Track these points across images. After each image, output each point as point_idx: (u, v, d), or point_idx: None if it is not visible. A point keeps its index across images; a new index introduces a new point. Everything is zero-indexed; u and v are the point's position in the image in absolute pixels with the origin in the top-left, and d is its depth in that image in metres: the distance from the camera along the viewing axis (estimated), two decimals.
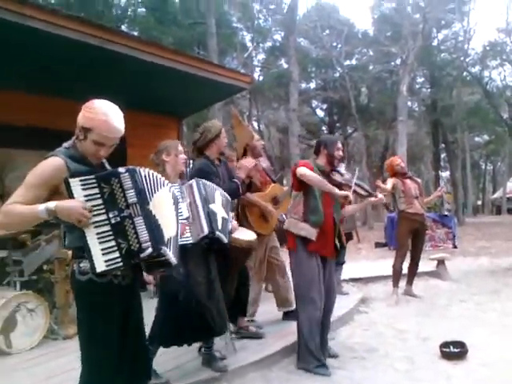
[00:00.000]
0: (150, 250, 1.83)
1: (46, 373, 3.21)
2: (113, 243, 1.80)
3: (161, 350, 2.99)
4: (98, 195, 1.81)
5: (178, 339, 2.93)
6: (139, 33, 17.16)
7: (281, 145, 28.21)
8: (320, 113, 30.54)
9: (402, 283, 6.02)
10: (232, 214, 3.92)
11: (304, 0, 38.75)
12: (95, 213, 1.79)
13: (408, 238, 5.89)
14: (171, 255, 1.95)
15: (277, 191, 4.41)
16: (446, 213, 12.13)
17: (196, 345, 3.33)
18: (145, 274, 2.22)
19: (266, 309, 4.54)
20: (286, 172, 22.21)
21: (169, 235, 1.98)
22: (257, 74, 25.42)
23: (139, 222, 1.84)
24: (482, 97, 25.16)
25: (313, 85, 28.61)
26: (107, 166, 2.12)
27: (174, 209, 2.13)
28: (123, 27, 18.21)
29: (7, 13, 3.67)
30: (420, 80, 27.49)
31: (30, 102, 5.17)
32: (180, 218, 2.24)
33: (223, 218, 3.03)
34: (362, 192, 3.63)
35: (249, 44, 24.87)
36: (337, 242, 3.60)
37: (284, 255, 4.25)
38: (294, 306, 3.92)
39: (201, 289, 2.93)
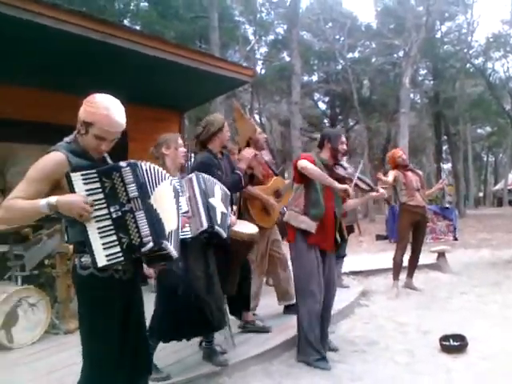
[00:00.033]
0: (151, 244, 1.83)
1: (47, 367, 3.21)
2: (114, 238, 1.80)
3: (161, 344, 3.00)
4: (100, 189, 1.81)
5: (178, 334, 2.94)
6: (141, 27, 17.04)
7: (282, 138, 28.16)
8: (322, 106, 30.49)
9: (403, 276, 6.04)
10: (234, 208, 3.93)
11: None
12: (96, 207, 1.79)
13: (409, 230, 5.90)
14: (172, 249, 1.95)
15: (279, 184, 4.41)
16: (447, 205, 12.13)
17: (196, 339, 3.35)
18: (145, 267, 2.22)
19: (266, 303, 4.55)
20: (287, 165, 22.20)
21: (170, 229, 1.98)
22: (259, 68, 25.39)
23: (140, 216, 1.83)
24: (485, 88, 25.04)
25: (315, 78, 28.56)
26: (109, 160, 2.11)
27: (175, 202, 2.13)
28: (125, 21, 18.10)
29: (8, 7, 3.66)
30: (423, 72, 27.42)
31: (32, 96, 5.17)
32: (180, 211, 2.24)
33: (222, 213, 3.03)
34: (364, 186, 3.63)
35: (251, 37, 24.72)
36: (337, 235, 3.61)
37: (285, 248, 4.26)
38: (294, 300, 3.93)
39: (200, 283, 2.93)
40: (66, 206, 1.76)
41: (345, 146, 3.64)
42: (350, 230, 5.82)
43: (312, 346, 3.43)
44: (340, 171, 3.59)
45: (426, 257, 7.11)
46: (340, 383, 3.14)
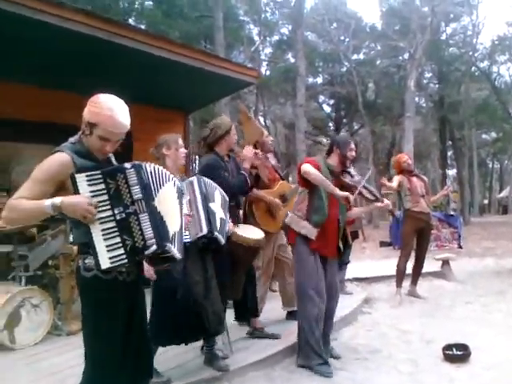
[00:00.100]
0: (154, 247, 1.82)
1: (49, 368, 3.21)
2: (118, 240, 1.79)
3: (162, 348, 2.99)
4: (104, 191, 1.81)
5: (177, 338, 2.91)
6: (146, 26, 17.08)
7: (287, 141, 28.13)
8: (327, 108, 30.49)
9: (406, 283, 6.00)
10: (240, 212, 3.89)
11: None
12: (101, 209, 1.79)
13: (413, 237, 5.86)
14: (176, 251, 1.95)
15: (285, 188, 4.39)
16: (452, 212, 12.07)
17: (198, 343, 3.32)
18: (146, 270, 2.20)
19: (269, 307, 4.52)
20: (291, 169, 22.15)
21: (173, 231, 1.97)
22: (264, 69, 25.37)
23: (144, 218, 1.83)
24: (490, 93, 24.92)
25: (320, 79, 28.54)
26: (113, 160, 2.11)
27: (179, 202, 2.12)
28: (130, 20, 18.16)
29: (14, 6, 3.66)
30: (428, 75, 27.32)
31: (37, 96, 5.18)
32: (184, 212, 2.22)
33: (221, 219, 3.00)
34: (369, 196, 3.59)
35: (256, 38, 24.78)
36: (340, 243, 3.58)
37: None
38: None
39: (198, 288, 2.91)
40: (70, 208, 1.76)
41: (353, 153, 3.62)
42: (355, 235, 5.79)
43: (313, 350, 3.40)
44: (346, 178, 3.56)
45: (431, 264, 7.05)
46: None
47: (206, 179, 3.05)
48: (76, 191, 1.77)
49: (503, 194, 44.52)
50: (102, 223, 1.79)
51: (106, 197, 1.80)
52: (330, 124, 30.05)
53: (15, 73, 4.75)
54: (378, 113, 26.10)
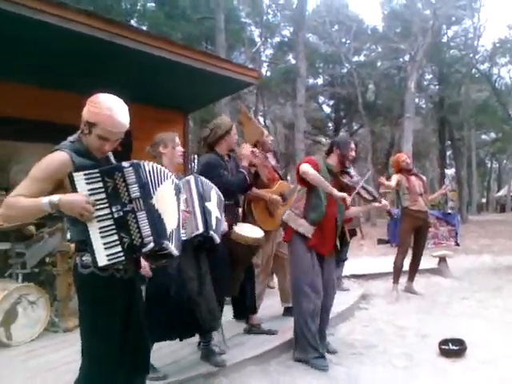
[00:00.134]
0: (151, 244, 1.84)
1: (45, 365, 3.22)
2: (115, 237, 1.81)
3: (158, 344, 3.01)
4: (102, 189, 1.82)
5: (171, 334, 2.94)
6: (148, 28, 17.07)
7: (286, 141, 28.12)
8: (326, 109, 30.43)
9: (404, 280, 6.04)
10: (239, 210, 3.92)
11: None
12: (98, 207, 1.80)
13: (410, 234, 5.91)
14: (173, 248, 1.98)
15: (284, 188, 4.43)
16: (450, 211, 12.12)
17: (194, 339, 3.35)
18: (142, 266, 2.22)
19: (266, 304, 4.57)
20: (290, 168, 22.17)
21: (171, 228, 2.00)
22: (264, 70, 25.36)
23: (142, 216, 1.85)
24: (490, 94, 24.95)
25: (320, 80, 28.51)
26: (112, 159, 2.12)
27: (176, 199, 2.14)
28: (132, 22, 18.15)
29: (14, 6, 3.68)
30: (428, 77, 27.32)
31: (36, 95, 5.20)
32: (181, 208, 2.26)
33: (217, 218, 3.02)
34: (367, 196, 3.63)
35: (257, 39, 24.75)
36: (337, 242, 3.62)
37: None
38: None
39: (192, 284, 2.93)
40: (67, 205, 1.77)
41: (353, 153, 3.66)
42: (353, 233, 5.83)
43: (310, 344, 3.45)
44: (345, 179, 3.61)
45: (428, 261, 7.10)
46: None
47: (203, 178, 3.07)
48: (74, 190, 1.79)
49: (501, 193, 44.54)
50: (99, 221, 1.80)
51: (103, 195, 1.82)
52: (330, 124, 30.03)
53: (15, 72, 4.78)
54: (377, 113, 26.07)
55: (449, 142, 27.17)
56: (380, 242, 12.77)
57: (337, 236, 3.62)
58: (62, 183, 1.88)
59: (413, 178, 5.93)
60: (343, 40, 25.31)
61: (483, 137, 35.60)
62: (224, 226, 3.19)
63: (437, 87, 26.32)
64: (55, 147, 1.95)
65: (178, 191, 2.18)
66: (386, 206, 3.68)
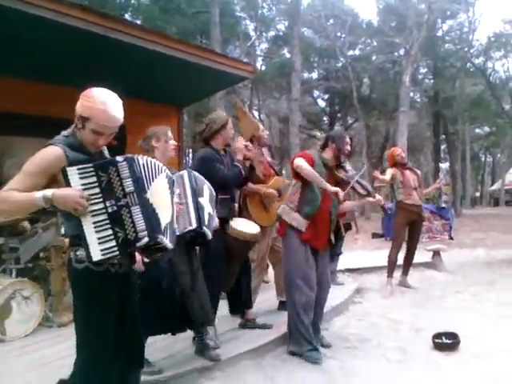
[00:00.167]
0: (146, 239, 1.84)
1: (40, 360, 3.22)
2: (109, 232, 1.81)
3: (153, 339, 3.01)
4: (96, 184, 1.82)
5: (163, 328, 2.94)
6: (143, 22, 16.97)
7: (281, 135, 28.11)
8: (321, 103, 30.46)
9: (398, 274, 6.07)
10: (235, 205, 3.92)
11: None
12: (92, 201, 1.80)
13: (404, 228, 5.94)
14: (167, 242, 1.98)
15: (280, 184, 4.44)
16: (444, 205, 12.19)
17: (189, 333, 3.34)
18: (137, 261, 2.22)
19: (261, 298, 4.59)
20: (285, 162, 22.17)
21: (166, 222, 2.00)
22: (259, 64, 25.30)
23: (136, 211, 1.85)
24: (484, 88, 25.02)
25: (315, 75, 28.51)
26: (106, 154, 2.12)
27: (170, 192, 2.14)
28: (127, 16, 18.03)
29: (9, 0, 3.65)
30: (423, 71, 27.38)
31: (30, 89, 5.16)
32: (175, 201, 2.25)
33: (209, 214, 3.02)
34: (361, 191, 3.64)
35: (252, 33, 24.70)
36: (332, 236, 3.63)
37: None
38: None
39: (185, 278, 2.93)
40: (61, 200, 1.76)
41: (348, 147, 3.67)
42: (348, 227, 5.85)
43: (304, 337, 3.47)
44: (340, 173, 3.62)
45: (422, 255, 7.14)
46: (332, 378, 3.17)
47: (196, 173, 3.06)
48: (67, 184, 1.78)
49: (495, 186, 44.79)
50: (93, 216, 1.80)
51: (97, 190, 1.81)
52: (325, 118, 30.04)
53: (9, 67, 4.73)
54: (372, 107, 26.11)
55: (443, 136, 27.29)
56: (374, 236, 12.82)
57: (331, 230, 3.63)
58: (55, 178, 1.87)
59: (407, 172, 5.95)
60: (338, 34, 25.28)
61: (477, 131, 35.74)
62: (216, 221, 3.17)
63: (431, 81, 26.40)
64: (49, 142, 1.93)
65: (171, 184, 2.18)
66: (379, 201, 3.70)
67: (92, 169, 1.82)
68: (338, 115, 28.99)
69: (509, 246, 9.80)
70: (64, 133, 1.99)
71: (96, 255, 1.79)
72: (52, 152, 1.88)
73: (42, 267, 4.16)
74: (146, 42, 4.68)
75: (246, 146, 3.75)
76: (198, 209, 2.91)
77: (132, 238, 1.83)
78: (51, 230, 4.16)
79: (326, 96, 29.36)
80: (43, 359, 3.23)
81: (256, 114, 25.89)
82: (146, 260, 2.27)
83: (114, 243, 1.81)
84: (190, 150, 20.51)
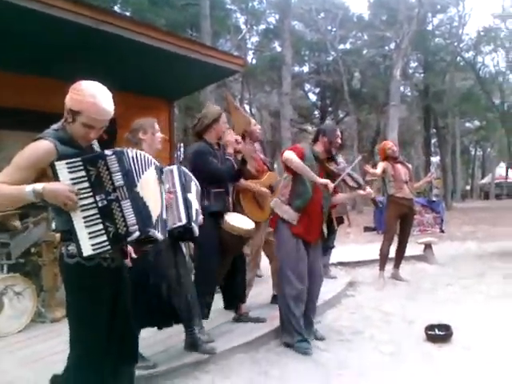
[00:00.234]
0: (137, 233, 1.83)
1: (33, 355, 3.21)
2: (100, 227, 1.79)
3: (148, 333, 3.00)
4: (85, 178, 1.80)
5: (150, 322, 2.93)
6: (132, 14, 16.77)
7: (272, 129, 28.09)
8: (312, 97, 30.48)
9: (390, 267, 6.10)
10: (229, 199, 3.92)
11: None
12: (82, 196, 1.78)
13: (396, 221, 5.97)
14: (159, 234, 1.98)
15: (273, 179, 4.44)
16: (435, 198, 12.28)
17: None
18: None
19: (255, 292, 4.60)
20: (276, 156, 22.15)
21: (156, 215, 1.99)
22: (250, 57, 25.18)
23: (126, 205, 1.83)
24: (474, 82, 25.20)
25: (306, 68, 28.54)
26: (96, 147, 2.09)
27: (159, 183, 2.13)
28: (116, 8, 17.80)
29: None
30: (413, 65, 27.49)
31: (19, 82, 5.08)
32: (164, 193, 2.23)
33: (197, 210, 2.99)
34: (352, 184, 3.65)
35: (243, 26, 24.56)
36: (324, 228, 3.64)
37: None
38: None
39: (171, 272, 2.94)
40: (51, 194, 1.74)
41: (339, 140, 3.69)
42: (340, 220, 5.87)
43: (294, 328, 3.51)
44: (331, 166, 3.63)
45: (413, 248, 7.20)
46: (325, 371, 3.18)
47: (185, 169, 3.04)
48: (56, 179, 1.76)
49: (485, 180, 45.21)
50: (83, 210, 1.78)
51: (86, 184, 1.79)
52: (316, 112, 30.08)
53: None
54: (363, 101, 26.21)
55: (434, 130, 27.49)
56: (366, 230, 12.89)
57: (323, 223, 3.64)
58: (45, 172, 1.85)
59: (398, 165, 5.97)
60: (329, 28, 25.26)
61: (467, 125, 36.01)
62: (200, 218, 3.10)
63: (422, 75, 26.51)
64: (38, 135, 1.91)
65: (160, 175, 2.17)
66: (370, 194, 3.72)
67: (80, 163, 1.79)
68: (329, 109, 29.03)
69: (499, 238, 9.93)
70: (54, 126, 1.96)
71: (87, 250, 1.77)
72: (41, 146, 1.85)
73: (33, 262, 4.13)
74: (135, 34, 4.61)
75: (235, 140, 3.74)
76: (187, 205, 2.89)
77: (123, 232, 1.81)
78: (42, 225, 4.13)
79: (317, 90, 29.41)
80: (36, 355, 3.22)
81: (247, 107, 25.81)
82: (134, 256, 2.24)
83: (104, 238, 1.79)
84: (181, 144, 20.48)
